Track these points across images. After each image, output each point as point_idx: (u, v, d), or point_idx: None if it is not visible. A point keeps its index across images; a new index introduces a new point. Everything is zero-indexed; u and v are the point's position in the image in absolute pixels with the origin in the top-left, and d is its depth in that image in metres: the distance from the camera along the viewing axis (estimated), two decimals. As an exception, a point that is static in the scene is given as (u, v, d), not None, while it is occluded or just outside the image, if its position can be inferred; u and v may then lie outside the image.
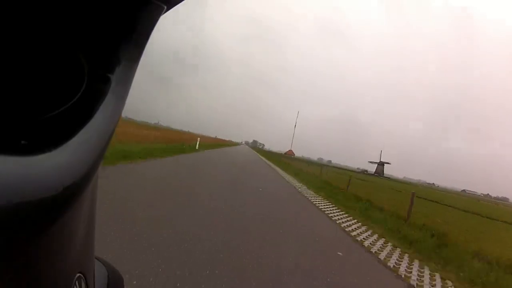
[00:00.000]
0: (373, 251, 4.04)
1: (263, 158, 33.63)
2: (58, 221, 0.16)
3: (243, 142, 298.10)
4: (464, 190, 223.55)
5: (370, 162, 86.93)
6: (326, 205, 7.43)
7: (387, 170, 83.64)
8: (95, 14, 0.19)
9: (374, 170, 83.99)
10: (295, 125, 69.97)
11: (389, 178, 75.89)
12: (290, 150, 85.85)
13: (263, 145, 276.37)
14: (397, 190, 14.32)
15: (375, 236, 4.98)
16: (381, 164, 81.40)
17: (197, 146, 19.79)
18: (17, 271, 0.15)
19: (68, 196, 0.16)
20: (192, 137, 31.93)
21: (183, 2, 0.25)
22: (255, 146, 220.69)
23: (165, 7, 0.23)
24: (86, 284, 0.25)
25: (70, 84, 0.19)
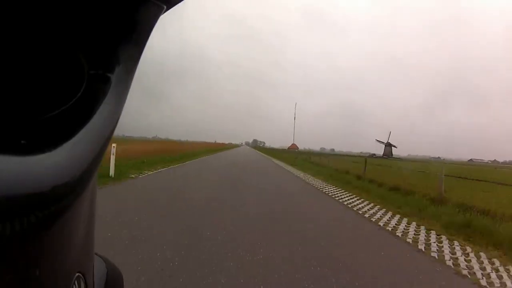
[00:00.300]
0: None
1: (267, 156, 31.50)
2: (58, 221, 0.16)
3: (243, 143, 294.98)
4: (471, 160, 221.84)
5: (377, 140, 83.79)
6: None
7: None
8: (95, 14, 0.19)
9: (381, 153, 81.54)
10: (295, 117, 67.48)
11: (399, 159, 73.44)
12: (294, 144, 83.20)
13: (264, 143, 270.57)
14: (419, 170, 11.88)
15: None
16: (388, 145, 78.95)
17: (111, 170, 6.75)
18: (17, 271, 0.15)
19: (68, 196, 0.16)
20: (183, 147, 26.60)
21: (182, 2, 0.25)
22: (256, 145, 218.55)
23: (165, 7, 0.23)
24: (85, 284, 0.24)
25: (70, 84, 0.19)
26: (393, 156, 79.66)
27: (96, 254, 0.31)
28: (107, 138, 0.20)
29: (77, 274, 0.22)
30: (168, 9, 0.24)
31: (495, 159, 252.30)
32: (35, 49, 0.18)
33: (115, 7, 0.20)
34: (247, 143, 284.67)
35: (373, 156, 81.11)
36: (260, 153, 44.30)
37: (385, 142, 79.57)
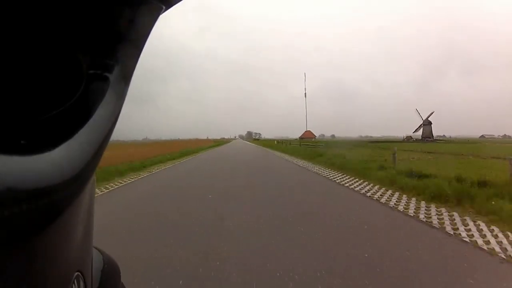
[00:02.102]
0: None
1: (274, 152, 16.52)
2: (57, 220, 0.16)
3: (237, 137, 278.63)
4: (483, 136, 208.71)
5: (416, 109, 64.15)
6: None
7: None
8: (94, 13, 0.20)
9: (412, 135, 63.59)
10: (305, 93, 48.71)
11: (443, 141, 55.35)
12: (308, 131, 63.52)
13: (259, 134, 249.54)
14: None
15: None
16: (427, 123, 60.94)
17: None
18: (16, 271, 0.15)
19: (67, 196, 0.17)
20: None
21: (181, 2, 0.25)
22: (250, 138, 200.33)
23: (164, 7, 0.24)
24: (85, 283, 0.24)
25: (69, 84, 0.19)
26: (435, 137, 61.53)
27: (93, 247, 0.31)
28: (106, 138, 0.20)
29: (76, 274, 0.22)
30: (167, 9, 0.24)
31: (505, 134, 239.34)
32: (35, 49, 0.18)
33: (114, 7, 0.20)
34: (241, 137, 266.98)
35: (410, 139, 63.04)
36: (260, 147, 28.53)
37: (423, 120, 61.23)
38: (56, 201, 0.16)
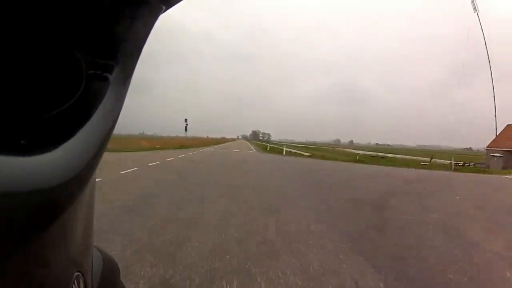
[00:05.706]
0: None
1: None
2: (57, 221, 0.16)
3: (240, 137, 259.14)
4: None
5: None
6: None
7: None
8: (94, 14, 0.20)
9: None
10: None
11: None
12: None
13: (269, 135, 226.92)
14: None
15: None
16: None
17: None
18: (17, 271, 0.15)
19: (67, 195, 0.17)
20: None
21: (181, 2, 0.25)
22: (257, 139, 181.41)
23: (164, 7, 0.24)
24: (85, 283, 0.25)
25: (69, 85, 0.19)
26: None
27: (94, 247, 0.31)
28: (106, 138, 0.20)
29: (76, 274, 0.22)
30: (167, 9, 0.24)
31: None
32: (35, 49, 0.18)
33: (115, 7, 0.20)
34: (244, 137, 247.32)
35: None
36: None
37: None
38: (56, 202, 0.16)
